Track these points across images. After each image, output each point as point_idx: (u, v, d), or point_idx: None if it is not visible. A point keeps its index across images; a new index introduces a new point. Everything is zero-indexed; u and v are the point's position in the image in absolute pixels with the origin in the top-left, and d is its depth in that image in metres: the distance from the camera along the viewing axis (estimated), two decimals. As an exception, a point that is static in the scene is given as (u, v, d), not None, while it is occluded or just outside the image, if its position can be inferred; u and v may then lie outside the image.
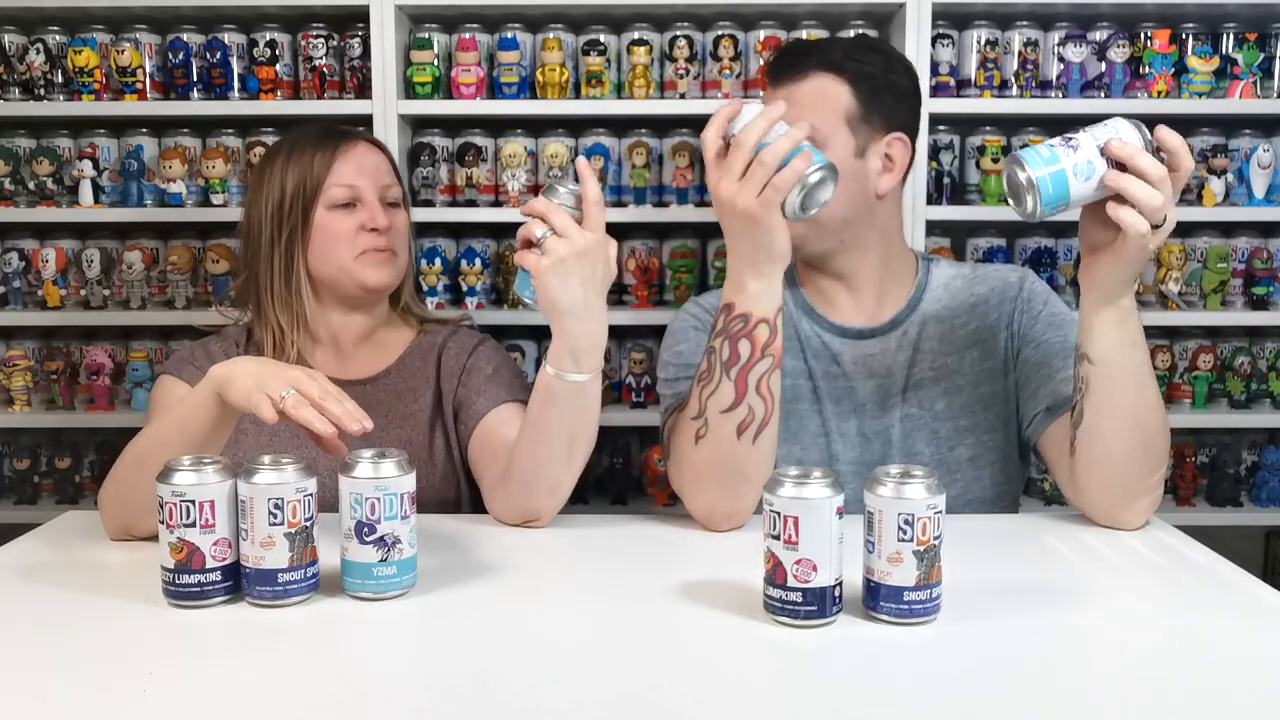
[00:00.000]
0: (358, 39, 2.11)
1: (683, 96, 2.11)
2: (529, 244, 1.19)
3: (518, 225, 2.24)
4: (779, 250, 1.18)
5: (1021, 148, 1.17)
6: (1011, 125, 2.22)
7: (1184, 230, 2.23)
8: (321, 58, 2.13)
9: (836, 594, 0.95)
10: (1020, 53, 2.13)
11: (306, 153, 1.42)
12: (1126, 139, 1.09)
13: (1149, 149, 1.09)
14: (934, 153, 2.14)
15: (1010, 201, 1.14)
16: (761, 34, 2.13)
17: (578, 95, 2.15)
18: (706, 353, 1.23)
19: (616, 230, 2.22)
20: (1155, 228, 1.09)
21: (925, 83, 2.03)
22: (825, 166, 1.16)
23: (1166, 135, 1.10)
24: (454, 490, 1.45)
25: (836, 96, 1.34)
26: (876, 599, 0.95)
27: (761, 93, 2.07)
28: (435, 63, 2.11)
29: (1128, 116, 1.12)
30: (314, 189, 1.41)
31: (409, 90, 2.10)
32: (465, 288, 2.15)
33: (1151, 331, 2.22)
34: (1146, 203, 1.07)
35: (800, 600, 0.93)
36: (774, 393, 1.22)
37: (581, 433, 1.23)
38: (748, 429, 1.21)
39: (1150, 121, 2.27)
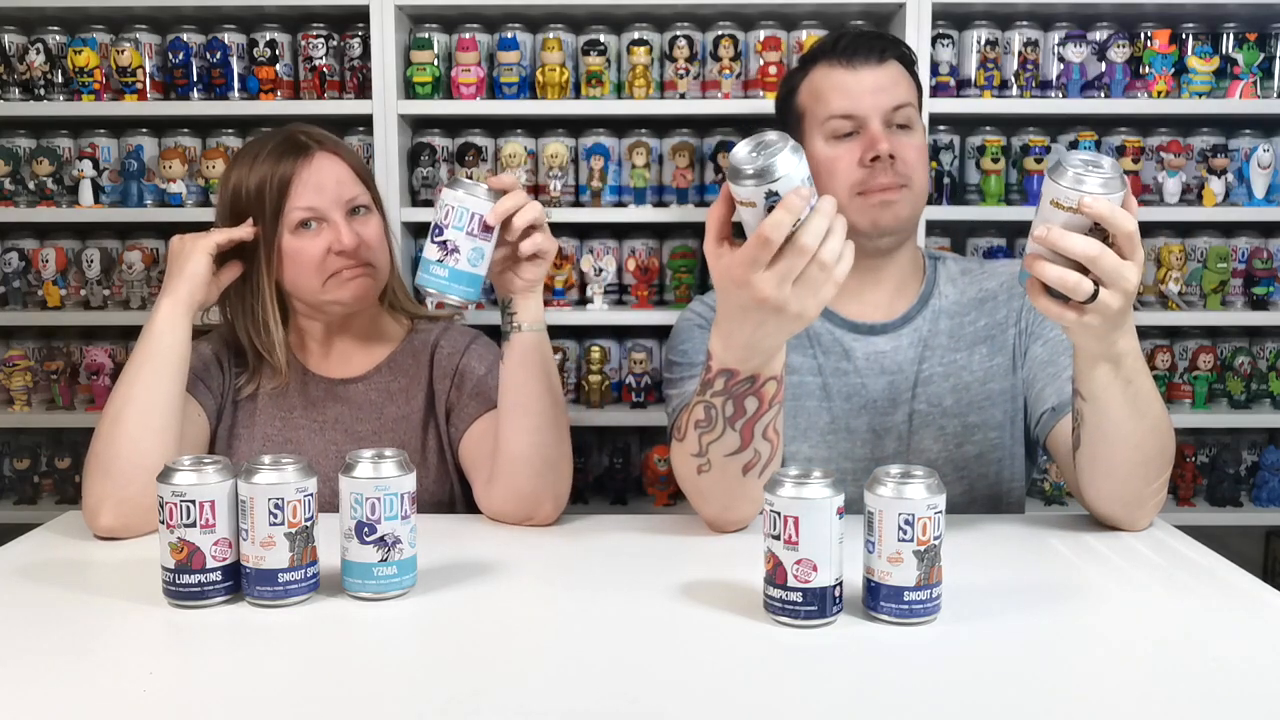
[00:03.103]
0: (358, 39, 2.11)
1: (683, 96, 2.11)
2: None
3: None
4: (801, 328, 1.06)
5: None
6: (1011, 125, 2.22)
7: (1184, 230, 2.23)
8: (321, 58, 2.14)
9: (837, 594, 0.95)
10: (1020, 53, 2.13)
11: (262, 174, 1.35)
12: (1061, 202, 0.98)
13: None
14: (934, 153, 2.14)
15: None
16: (761, 34, 2.13)
17: (578, 95, 2.15)
18: (702, 405, 1.14)
19: (616, 230, 2.24)
20: (1088, 301, 1.00)
21: (926, 83, 2.04)
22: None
23: (1092, 205, 0.97)
24: (447, 491, 1.45)
25: (913, 84, 1.42)
26: (877, 599, 0.95)
27: (763, 92, 2.09)
28: (435, 63, 2.11)
29: (1093, 157, 0.99)
30: (274, 214, 1.35)
31: (409, 90, 2.10)
32: (465, 288, 2.15)
33: (1151, 331, 2.23)
34: (1054, 282, 0.99)
35: (800, 600, 0.93)
36: (780, 430, 1.16)
37: (557, 390, 1.28)
38: (754, 468, 1.16)
39: (1150, 122, 2.28)
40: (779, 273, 0.98)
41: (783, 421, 1.18)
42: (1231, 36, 2.17)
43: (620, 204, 2.17)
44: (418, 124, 2.21)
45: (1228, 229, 2.23)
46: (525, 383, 1.25)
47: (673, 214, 2.14)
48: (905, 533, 0.93)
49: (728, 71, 2.10)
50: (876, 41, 1.39)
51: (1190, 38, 2.17)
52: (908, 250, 1.45)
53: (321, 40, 2.14)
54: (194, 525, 0.98)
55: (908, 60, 1.42)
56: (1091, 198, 0.97)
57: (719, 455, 1.16)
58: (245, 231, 1.35)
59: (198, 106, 2.13)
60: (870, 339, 1.42)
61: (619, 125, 2.20)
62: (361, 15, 2.07)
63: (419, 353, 1.47)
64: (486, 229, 1.16)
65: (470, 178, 1.17)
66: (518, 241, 1.19)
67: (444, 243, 1.15)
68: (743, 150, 0.98)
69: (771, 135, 0.98)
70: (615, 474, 2.24)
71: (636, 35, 2.14)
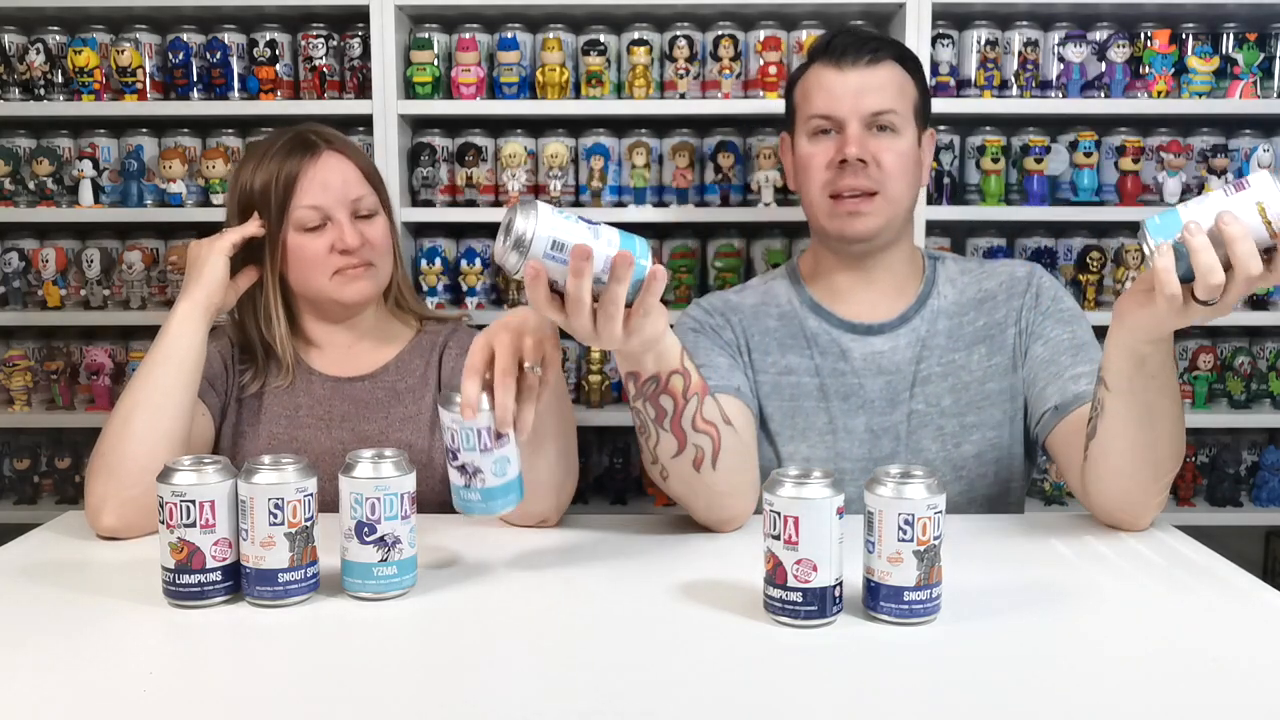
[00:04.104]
0: (358, 39, 2.11)
1: (683, 96, 2.11)
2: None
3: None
4: (658, 335, 1.07)
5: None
6: (1011, 125, 2.22)
7: (1184, 230, 2.23)
8: (321, 58, 2.14)
9: (837, 594, 0.95)
10: (1020, 53, 2.13)
11: (269, 171, 1.37)
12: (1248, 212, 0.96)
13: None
14: (934, 153, 2.13)
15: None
16: (761, 34, 2.13)
17: (578, 95, 2.15)
18: (634, 413, 1.17)
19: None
20: (1201, 303, 1.00)
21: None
22: (644, 250, 1.02)
23: None
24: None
25: (907, 88, 1.40)
26: (876, 599, 0.95)
27: (763, 92, 2.08)
28: (435, 63, 2.11)
29: None
30: (280, 211, 1.37)
31: (409, 90, 2.10)
32: (465, 288, 2.15)
33: (1151, 331, 2.22)
34: (1204, 274, 0.97)
35: (800, 600, 0.93)
36: (713, 419, 1.17)
37: (570, 417, 1.26)
38: (703, 462, 1.18)
39: (1150, 122, 2.27)
40: (574, 325, 1.00)
41: (715, 409, 1.18)
42: (1231, 36, 2.17)
43: (620, 204, 2.17)
44: (418, 124, 2.21)
45: (1228, 229, 2.22)
46: (544, 418, 1.20)
47: (672, 214, 2.14)
48: (905, 533, 0.93)
49: (728, 71, 2.10)
50: (869, 44, 1.38)
51: (1190, 38, 2.17)
52: (900, 252, 1.45)
53: (321, 40, 2.14)
54: (194, 525, 0.98)
55: (907, 62, 1.42)
56: None
57: (666, 458, 1.18)
58: (255, 226, 1.36)
59: (198, 106, 2.13)
60: (867, 339, 1.43)
61: (619, 125, 2.20)
62: (361, 15, 2.07)
63: (427, 353, 1.48)
64: (499, 436, 1.04)
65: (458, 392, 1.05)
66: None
67: (462, 467, 1.05)
68: (498, 245, 0.98)
69: (504, 225, 0.98)
70: (615, 474, 2.24)
71: (636, 35, 2.14)
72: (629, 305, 1.01)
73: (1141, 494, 1.21)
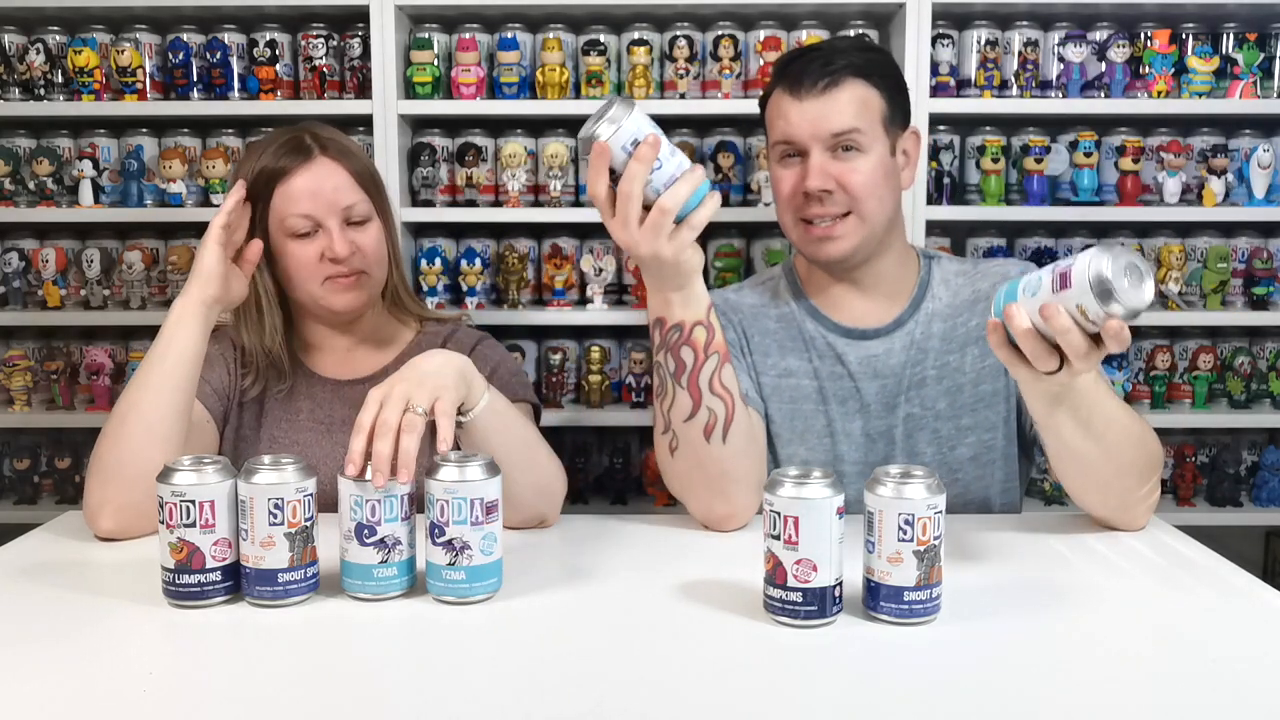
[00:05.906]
0: (358, 39, 2.11)
1: (683, 96, 2.11)
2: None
3: (517, 225, 2.25)
4: (693, 268, 1.16)
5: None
6: (1011, 125, 2.22)
7: (1184, 230, 2.23)
8: (321, 58, 2.14)
9: (836, 594, 0.95)
10: (1020, 53, 2.13)
11: (261, 170, 1.36)
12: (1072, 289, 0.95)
13: (1106, 295, 0.93)
14: (934, 153, 2.14)
15: None
16: (761, 34, 2.13)
17: (578, 95, 2.15)
18: (656, 371, 1.22)
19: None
20: (1048, 372, 1.01)
21: (925, 83, 2.04)
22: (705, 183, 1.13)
23: (1114, 322, 0.95)
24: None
25: (871, 102, 1.36)
26: (876, 599, 0.95)
27: (761, 92, 2.08)
28: (435, 63, 2.11)
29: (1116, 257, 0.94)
30: (266, 212, 1.36)
31: (409, 90, 2.10)
32: (465, 288, 2.15)
33: (1151, 332, 2.23)
34: (1031, 358, 1.01)
35: (800, 600, 0.93)
36: (730, 388, 1.21)
37: (522, 435, 1.23)
38: (714, 430, 1.21)
39: (1150, 122, 2.27)
40: (619, 220, 1.11)
41: (734, 379, 1.22)
42: (1231, 36, 2.17)
43: (620, 204, 2.17)
44: (418, 124, 2.21)
45: (1228, 229, 2.22)
46: (490, 449, 1.17)
47: (673, 214, 2.14)
48: (905, 533, 0.93)
49: (728, 71, 2.10)
50: (827, 68, 1.35)
51: (1190, 38, 2.17)
52: (889, 258, 1.44)
53: (321, 40, 2.14)
54: (194, 525, 0.98)
55: (872, 75, 1.36)
56: (1118, 323, 0.95)
57: (679, 423, 1.21)
58: (238, 194, 1.32)
59: (198, 106, 2.13)
60: (863, 343, 1.43)
61: (619, 125, 2.20)
62: (361, 15, 2.07)
63: None
64: (491, 509, 1.00)
65: (449, 459, 1.01)
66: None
67: (449, 543, 0.99)
68: (587, 124, 1.11)
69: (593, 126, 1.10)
70: (615, 474, 2.24)
71: (636, 35, 2.14)
72: (679, 221, 1.11)
73: (1119, 503, 1.22)
